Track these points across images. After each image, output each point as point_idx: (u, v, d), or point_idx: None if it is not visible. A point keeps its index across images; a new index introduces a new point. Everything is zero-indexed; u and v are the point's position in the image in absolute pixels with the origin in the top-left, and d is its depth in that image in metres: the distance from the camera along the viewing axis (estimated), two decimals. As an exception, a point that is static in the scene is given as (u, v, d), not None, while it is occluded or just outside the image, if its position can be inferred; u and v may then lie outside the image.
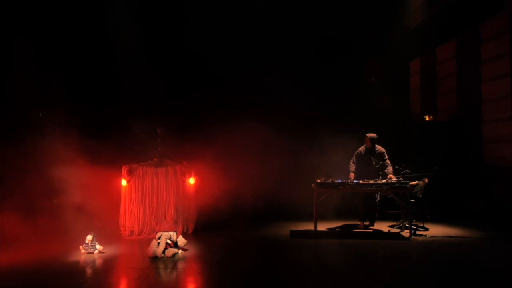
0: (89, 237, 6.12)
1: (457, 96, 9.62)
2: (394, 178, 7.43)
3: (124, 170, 7.29)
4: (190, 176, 7.42)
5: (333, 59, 11.74)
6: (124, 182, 7.29)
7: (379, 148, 7.91)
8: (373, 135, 7.88)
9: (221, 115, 11.88)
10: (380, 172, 7.79)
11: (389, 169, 7.72)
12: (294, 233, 7.41)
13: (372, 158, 7.85)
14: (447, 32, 9.91)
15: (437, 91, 10.56)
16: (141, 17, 9.34)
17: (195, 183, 7.52)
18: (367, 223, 7.95)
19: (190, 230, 7.42)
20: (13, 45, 8.99)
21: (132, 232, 7.27)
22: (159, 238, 6.05)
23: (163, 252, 5.95)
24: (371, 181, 7.35)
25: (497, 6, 8.29)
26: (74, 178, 7.42)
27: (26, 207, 7.20)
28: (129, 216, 7.27)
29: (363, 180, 7.46)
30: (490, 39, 8.62)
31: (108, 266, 5.72)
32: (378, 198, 7.95)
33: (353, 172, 7.83)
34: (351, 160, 8.01)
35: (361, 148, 8.01)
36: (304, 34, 11.59)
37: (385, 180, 7.35)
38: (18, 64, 9.14)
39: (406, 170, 7.93)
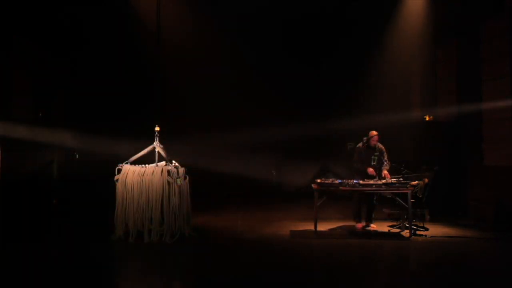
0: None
1: (457, 96, 9.61)
2: (388, 176, 7.43)
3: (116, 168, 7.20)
4: (178, 176, 7.23)
5: (334, 59, 11.78)
6: (116, 180, 7.17)
7: (379, 145, 7.91)
8: (376, 132, 7.88)
9: (222, 115, 11.94)
10: (377, 171, 7.78)
11: (386, 165, 7.70)
12: (294, 233, 7.40)
13: (373, 156, 7.85)
14: (447, 32, 9.90)
15: (437, 91, 10.56)
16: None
17: (186, 184, 7.28)
18: (364, 223, 7.93)
19: (187, 232, 7.12)
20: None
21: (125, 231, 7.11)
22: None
23: None
24: (371, 181, 7.35)
25: (497, 6, 8.29)
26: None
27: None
28: (121, 215, 7.10)
29: (362, 179, 7.47)
30: (490, 39, 8.61)
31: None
32: (376, 197, 7.94)
33: (368, 166, 7.72)
34: (355, 158, 7.96)
35: (360, 145, 8.00)
36: (304, 34, 11.64)
37: (384, 180, 7.35)
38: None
39: (406, 170, 7.93)
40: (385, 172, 7.58)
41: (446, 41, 10.12)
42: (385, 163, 7.76)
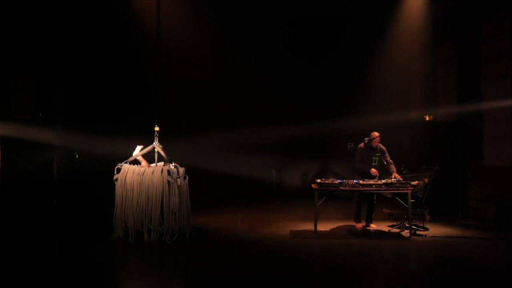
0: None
1: (457, 96, 9.61)
2: (398, 177, 7.43)
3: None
4: (178, 176, 7.18)
5: (334, 59, 11.79)
6: (115, 180, 7.14)
7: (381, 146, 7.91)
8: (378, 133, 7.88)
9: (222, 115, 11.95)
10: (379, 172, 7.77)
11: (393, 168, 7.71)
12: (294, 233, 7.40)
13: (374, 157, 7.85)
14: (447, 32, 9.90)
15: (437, 91, 10.56)
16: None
17: (186, 184, 7.22)
18: (364, 223, 7.94)
19: (187, 232, 7.07)
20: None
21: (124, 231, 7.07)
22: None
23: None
24: (371, 181, 7.34)
25: (497, 6, 8.29)
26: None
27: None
28: (120, 214, 7.05)
29: (363, 179, 7.47)
30: (490, 39, 8.61)
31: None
32: (375, 197, 7.93)
33: (370, 167, 7.74)
34: (357, 159, 7.95)
35: (362, 145, 8.00)
36: (304, 34, 11.64)
37: (384, 180, 7.35)
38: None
39: (406, 170, 7.92)
40: (395, 174, 7.56)
41: (446, 41, 10.12)
42: (386, 163, 7.75)
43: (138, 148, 7.56)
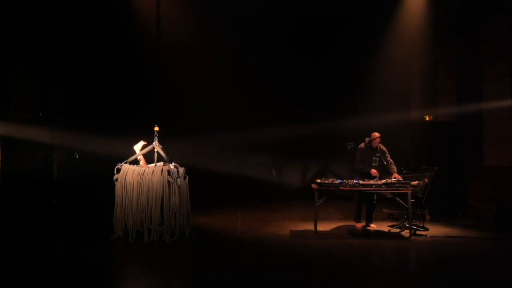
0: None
1: (457, 96, 9.61)
2: (398, 177, 7.42)
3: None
4: (178, 176, 7.16)
5: (334, 59, 11.79)
6: (115, 180, 7.12)
7: (381, 146, 7.91)
8: (379, 134, 7.88)
9: (222, 115, 11.95)
10: (379, 172, 7.77)
11: (394, 168, 7.70)
12: (294, 233, 7.40)
13: (374, 157, 7.85)
14: (447, 32, 9.90)
15: (437, 91, 10.56)
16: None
17: (186, 184, 7.20)
18: (364, 223, 7.94)
19: (187, 232, 7.05)
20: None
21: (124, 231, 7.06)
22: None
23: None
24: (371, 181, 7.34)
25: (497, 6, 8.29)
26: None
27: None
28: (120, 214, 7.03)
29: (363, 179, 7.47)
30: (490, 39, 8.61)
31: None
32: (375, 197, 7.93)
33: (370, 167, 7.74)
34: (357, 159, 7.95)
35: (362, 146, 7.99)
36: (304, 34, 11.64)
37: (384, 180, 7.35)
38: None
39: (406, 170, 7.92)
40: (395, 175, 7.55)
41: (446, 41, 10.12)
42: (387, 163, 7.75)
43: (140, 143, 7.55)
